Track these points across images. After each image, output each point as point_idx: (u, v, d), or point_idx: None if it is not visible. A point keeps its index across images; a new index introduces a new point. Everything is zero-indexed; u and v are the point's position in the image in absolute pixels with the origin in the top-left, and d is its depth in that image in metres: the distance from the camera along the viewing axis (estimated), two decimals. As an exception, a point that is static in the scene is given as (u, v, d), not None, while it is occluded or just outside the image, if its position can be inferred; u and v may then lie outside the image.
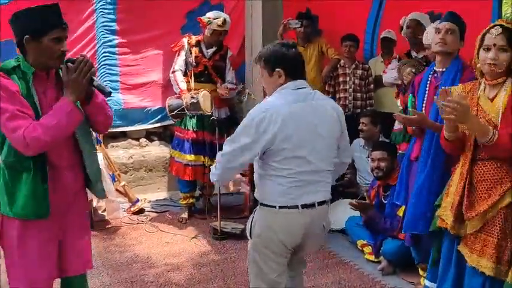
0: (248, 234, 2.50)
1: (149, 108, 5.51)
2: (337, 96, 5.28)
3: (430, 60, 3.65)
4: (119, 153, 5.50)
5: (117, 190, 4.79)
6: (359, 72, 5.35)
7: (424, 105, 3.13)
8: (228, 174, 2.44)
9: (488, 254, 2.40)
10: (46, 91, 2.24)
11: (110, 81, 5.30)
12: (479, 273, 2.43)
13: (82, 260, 2.45)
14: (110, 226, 4.61)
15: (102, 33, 5.18)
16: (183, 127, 4.81)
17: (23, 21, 2.17)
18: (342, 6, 5.70)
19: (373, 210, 3.93)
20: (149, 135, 5.82)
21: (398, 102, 3.77)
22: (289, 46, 2.43)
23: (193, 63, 4.77)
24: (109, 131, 5.14)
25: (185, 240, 4.34)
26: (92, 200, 4.55)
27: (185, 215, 4.82)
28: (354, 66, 5.36)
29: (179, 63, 4.83)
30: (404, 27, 4.35)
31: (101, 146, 4.90)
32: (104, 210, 4.71)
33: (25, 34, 2.15)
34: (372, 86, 5.42)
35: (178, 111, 4.67)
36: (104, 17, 5.16)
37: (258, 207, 2.46)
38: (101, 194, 2.52)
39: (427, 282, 2.92)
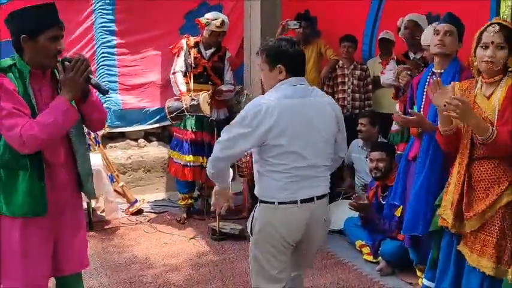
0: (249, 231, 2.50)
1: (148, 109, 5.51)
2: (336, 97, 5.28)
3: (428, 61, 3.66)
4: (118, 153, 5.50)
5: (115, 191, 4.79)
6: (357, 72, 5.36)
7: (422, 106, 3.14)
8: (221, 162, 2.43)
9: (488, 253, 2.41)
10: (42, 89, 2.25)
11: (108, 81, 5.29)
12: (478, 272, 2.44)
13: (78, 259, 2.45)
14: (108, 227, 4.61)
15: (101, 33, 5.18)
16: (182, 128, 4.81)
17: (19, 20, 2.18)
18: (340, 7, 5.71)
19: (371, 211, 3.94)
20: (148, 135, 5.82)
21: (397, 107, 3.78)
22: (292, 42, 2.45)
23: (192, 65, 4.77)
24: (107, 131, 5.22)
25: (184, 241, 4.34)
26: (90, 201, 4.56)
27: (184, 215, 4.82)
28: (352, 66, 5.36)
29: (179, 64, 4.83)
30: (402, 28, 4.36)
31: (99, 146, 4.90)
32: (103, 211, 4.71)
33: (22, 33, 2.15)
34: (370, 86, 5.43)
35: (178, 113, 4.67)
36: (103, 18, 5.16)
37: (258, 204, 2.47)
38: (91, 194, 2.52)
39: (425, 282, 2.93)
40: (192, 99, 4.59)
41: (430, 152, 2.99)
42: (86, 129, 4.49)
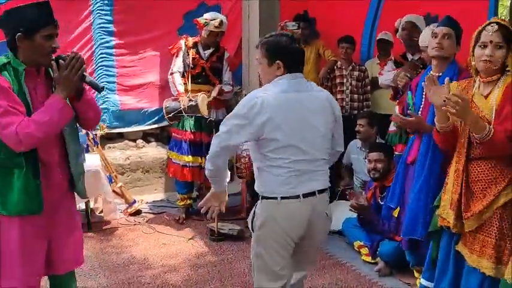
0: (250, 228, 2.50)
1: (146, 110, 5.51)
2: (334, 98, 5.24)
3: (426, 62, 3.66)
4: (116, 154, 5.50)
5: (114, 191, 4.78)
6: (356, 73, 5.37)
7: (421, 108, 3.14)
8: (220, 158, 2.42)
9: (487, 254, 2.41)
10: (36, 87, 2.26)
11: (107, 82, 5.29)
12: (478, 272, 2.44)
13: (73, 258, 2.46)
14: (106, 227, 4.61)
15: (99, 34, 5.18)
16: (180, 128, 4.81)
17: (15, 18, 2.18)
18: (339, 8, 5.71)
19: (371, 212, 3.94)
20: (146, 136, 5.82)
21: (396, 108, 3.78)
22: (292, 39, 2.45)
23: (191, 65, 4.77)
24: (106, 132, 5.21)
25: (182, 242, 4.34)
26: (89, 201, 4.56)
27: (182, 216, 4.82)
28: (350, 67, 5.37)
29: (177, 64, 4.84)
30: (400, 30, 4.37)
31: (98, 147, 4.90)
32: (101, 211, 4.71)
33: (17, 32, 2.15)
34: (369, 87, 5.44)
35: (176, 113, 4.67)
36: (101, 18, 5.16)
37: (258, 201, 2.47)
38: (82, 193, 2.52)
39: (423, 281, 2.93)
40: (190, 100, 4.59)
41: (429, 154, 2.99)
42: (83, 130, 4.54)
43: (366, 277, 3.71)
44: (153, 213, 5.01)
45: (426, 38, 3.37)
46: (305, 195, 2.38)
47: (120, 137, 5.68)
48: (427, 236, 2.87)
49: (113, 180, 4.88)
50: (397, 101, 3.86)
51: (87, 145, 4.80)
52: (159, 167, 5.60)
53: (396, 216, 3.58)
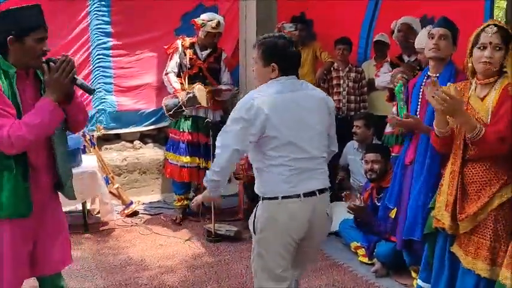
0: (252, 230, 2.50)
1: (143, 111, 5.50)
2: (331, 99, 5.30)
3: (423, 64, 3.68)
4: (113, 155, 5.49)
5: (110, 192, 4.78)
6: (352, 75, 5.38)
7: (418, 109, 3.15)
8: (229, 165, 2.44)
9: (482, 256, 2.42)
10: (25, 89, 2.26)
11: (104, 83, 5.30)
12: (473, 274, 2.45)
13: (60, 258, 2.46)
14: (103, 228, 4.60)
15: (97, 35, 5.18)
16: (178, 129, 4.81)
17: (6, 21, 2.18)
18: (336, 10, 5.73)
19: (368, 213, 3.95)
20: (143, 137, 5.81)
21: (394, 109, 3.80)
22: (290, 42, 2.46)
23: (188, 65, 4.77)
24: (103, 133, 5.21)
25: (179, 243, 4.33)
26: (85, 202, 4.56)
27: (179, 217, 4.82)
28: (347, 69, 5.38)
29: (171, 65, 4.84)
30: (396, 31, 4.38)
31: (94, 148, 4.90)
32: (98, 212, 4.70)
33: (9, 34, 2.15)
34: (366, 88, 5.45)
35: (176, 109, 4.66)
36: (98, 19, 5.15)
37: (259, 202, 2.47)
38: (70, 195, 2.52)
39: (420, 283, 2.94)
40: (188, 93, 4.59)
41: (428, 154, 3.00)
42: (81, 131, 4.54)
43: (363, 278, 3.72)
44: (150, 214, 5.00)
45: (422, 40, 3.39)
46: (306, 195, 2.39)
47: (117, 138, 5.67)
48: (422, 238, 2.88)
49: (110, 182, 4.88)
50: (394, 102, 3.87)
51: (84, 146, 4.79)
52: (156, 168, 5.60)
53: (393, 217, 3.59)
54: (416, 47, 3.68)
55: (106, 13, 5.18)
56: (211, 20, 4.69)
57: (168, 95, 4.86)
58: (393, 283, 3.66)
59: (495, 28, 2.41)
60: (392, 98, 3.98)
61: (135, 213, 4.94)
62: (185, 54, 4.79)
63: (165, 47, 4.99)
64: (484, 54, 2.41)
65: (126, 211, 4.90)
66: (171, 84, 4.78)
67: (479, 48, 2.44)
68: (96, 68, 5.24)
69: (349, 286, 3.60)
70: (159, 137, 5.86)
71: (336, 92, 5.35)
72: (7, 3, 4.39)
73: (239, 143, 2.37)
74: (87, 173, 4.40)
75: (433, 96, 2.34)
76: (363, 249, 3.98)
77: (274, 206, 2.40)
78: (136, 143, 5.73)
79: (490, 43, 2.41)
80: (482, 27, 2.46)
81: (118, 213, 4.85)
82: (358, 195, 4.23)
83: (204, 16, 4.77)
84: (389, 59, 4.69)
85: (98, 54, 5.22)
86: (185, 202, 4.90)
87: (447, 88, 2.46)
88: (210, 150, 4.60)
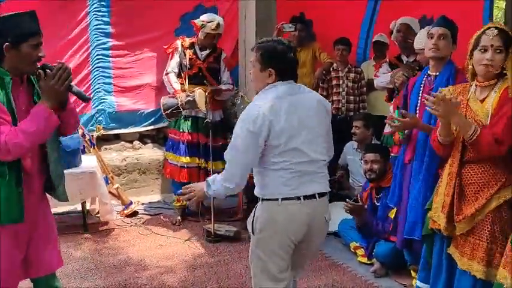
0: (250, 231, 2.50)
1: (143, 111, 5.51)
2: (331, 99, 5.31)
3: (421, 64, 3.68)
4: (112, 155, 5.49)
5: (110, 192, 4.78)
6: (352, 75, 5.39)
7: (417, 108, 3.16)
8: (243, 179, 2.42)
9: (478, 257, 2.42)
10: (19, 95, 2.27)
11: (103, 83, 5.30)
12: (469, 275, 2.45)
13: (53, 260, 2.47)
14: (103, 228, 4.60)
15: (96, 35, 5.18)
16: (177, 129, 4.81)
17: (1, 29, 2.18)
18: (336, 10, 5.73)
19: (366, 214, 3.95)
20: (143, 137, 5.82)
21: (391, 108, 3.80)
22: (289, 48, 2.44)
23: (188, 66, 4.78)
24: (102, 133, 5.22)
25: (178, 243, 4.34)
26: (85, 202, 4.56)
27: (179, 217, 4.82)
28: (346, 69, 5.39)
29: (172, 65, 4.85)
30: (395, 31, 4.39)
31: (94, 148, 4.90)
32: (97, 212, 4.70)
33: (5, 41, 2.16)
34: (365, 89, 5.46)
35: (173, 110, 4.66)
36: (98, 20, 5.16)
37: (258, 203, 2.47)
38: (63, 198, 2.53)
39: (419, 283, 2.94)
40: (188, 96, 4.59)
41: (426, 155, 3.00)
42: (80, 131, 4.54)
43: (362, 278, 3.72)
44: (149, 215, 5.01)
45: (422, 40, 3.39)
46: (306, 198, 2.40)
47: (117, 138, 5.68)
48: (421, 239, 2.89)
49: (109, 182, 4.88)
50: (392, 100, 3.88)
51: (84, 146, 4.79)
52: (156, 169, 5.60)
53: (392, 217, 3.59)
54: (415, 47, 3.68)
55: (105, 13, 5.18)
56: (211, 22, 4.69)
57: (167, 95, 4.87)
58: (392, 283, 3.66)
59: (496, 31, 2.42)
60: (391, 98, 3.98)
61: (134, 214, 4.94)
62: (185, 55, 4.79)
63: (165, 47, 4.99)
64: (485, 56, 2.42)
65: (125, 211, 4.90)
66: (171, 85, 4.78)
67: (480, 50, 2.44)
68: (95, 68, 5.24)
69: (348, 286, 3.60)
70: (158, 137, 5.86)
71: (335, 93, 5.36)
72: (7, 3, 4.41)
73: (250, 158, 2.37)
74: (86, 173, 4.40)
75: (427, 99, 2.35)
76: (362, 249, 3.98)
77: (274, 207, 2.40)
78: (136, 143, 5.74)
79: (491, 46, 2.41)
80: (483, 29, 2.47)
81: (117, 214, 4.86)
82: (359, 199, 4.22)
83: (204, 17, 4.77)
84: (388, 60, 4.69)
85: (98, 55, 5.23)
86: (184, 202, 4.90)
87: (440, 92, 2.47)
88: (209, 151, 4.60)
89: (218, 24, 4.70)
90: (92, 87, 5.27)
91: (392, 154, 3.98)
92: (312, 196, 2.42)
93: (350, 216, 4.07)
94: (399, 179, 3.33)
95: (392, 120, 3.10)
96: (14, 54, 2.18)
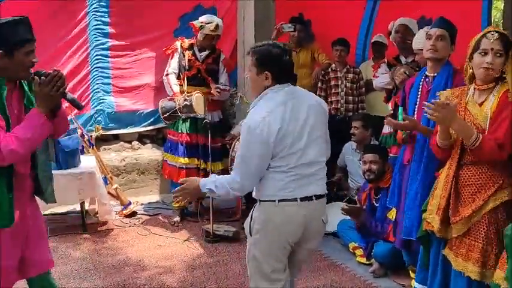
0: (247, 232, 2.50)
1: (142, 111, 5.52)
2: (329, 100, 5.32)
3: (420, 64, 3.69)
4: (111, 156, 5.49)
5: (109, 193, 4.78)
6: (350, 76, 5.40)
7: (416, 109, 3.16)
8: (253, 188, 2.44)
9: (473, 258, 2.43)
10: (11, 100, 2.28)
11: (102, 83, 5.30)
12: (463, 275, 2.46)
13: (44, 259, 2.48)
14: (101, 229, 4.60)
15: (95, 36, 5.18)
16: (176, 130, 4.82)
17: None
18: (335, 11, 5.73)
19: (364, 215, 3.96)
20: (141, 138, 5.82)
21: (389, 106, 3.80)
22: (284, 51, 2.45)
23: (187, 67, 4.78)
24: (101, 133, 5.22)
25: (177, 243, 4.34)
26: (84, 202, 4.56)
27: (177, 217, 4.82)
28: (345, 70, 5.40)
29: (173, 66, 4.85)
30: (393, 32, 4.39)
31: (93, 148, 4.90)
32: (96, 213, 4.70)
33: None
34: (363, 89, 5.47)
35: (171, 113, 4.67)
36: (97, 20, 5.16)
37: (256, 204, 2.48)
38: (51, 200, 2.53)
39: (416, 285, 2.95)
40: (185, 100, 4.60)
41: (424, 156, 3.01)
42: (79, 132, 4.54)
43: (361, 278, 3.73)
44: (148, 215, 5.01)
45: (420, 41, 3.40)
46: (303, 199, 2.40)
47: (116, 138, 5.68)
48: (418, 240, 2.89)
49: (108, 182, 4.88)
50: (391, 98, 3.89)
51: (83, 147, 4.80)
52: (155, 169, 5.60)
53: (391, 217, 3.60)
54: (413, 48, 3.69)
55: (105, 14, 5.19)
56: (210, 23, 4.70)
57: (166, 95, 4.87)
58: (391, 283, 3.67)
59: (496, 34, 2.42)
60: (389, 98, 3.98)
61: (133, 214, 4.94)
62: (184, 56, 4.80)
63: (164, 48, 4.99)
64: (486, 59, 2.42)
65: (124, 211, 4.90)
66: (170, 87, 4.79)
67: (480, 53, 2.45)
68: (94, 68, 5.24)
69: (347, 286, 3.60)
70: (157, 138, 5.87)
71: (334, 93, 5.37)
72: (6, 2, 4.41)
73: (263, 168, 2.37)
74: (85, 173, 4.40)
75: (425, 106, 2.36)
76: (361, 249, 3.99)
77: (271, 208, 2.41)
78: (135, 143, 5.74)
79: (492, 49, 2.42)
80: (483, 33, 2.47)
81: (116, 214, 4.86)
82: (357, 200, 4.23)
83: (203, 18, 4.77)
84: (386, 60, 4.70)
85: (97, 55, 5.23)
86: (183, 203, 4.90)
87: (438, 96, 2.48)
88: (208, 151, 4.60)
89: (217, 26, 4.71)
90: (91, 87, 5.27)
91: (391, 154, 3.99)
92: (309, 198, 2.42)
93: (348, 217, 4.08)
94: (398, 179, 3.33)
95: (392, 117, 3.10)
96: (8, 62, 2.19)
